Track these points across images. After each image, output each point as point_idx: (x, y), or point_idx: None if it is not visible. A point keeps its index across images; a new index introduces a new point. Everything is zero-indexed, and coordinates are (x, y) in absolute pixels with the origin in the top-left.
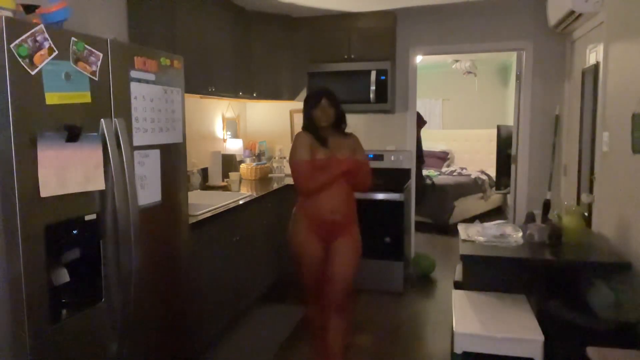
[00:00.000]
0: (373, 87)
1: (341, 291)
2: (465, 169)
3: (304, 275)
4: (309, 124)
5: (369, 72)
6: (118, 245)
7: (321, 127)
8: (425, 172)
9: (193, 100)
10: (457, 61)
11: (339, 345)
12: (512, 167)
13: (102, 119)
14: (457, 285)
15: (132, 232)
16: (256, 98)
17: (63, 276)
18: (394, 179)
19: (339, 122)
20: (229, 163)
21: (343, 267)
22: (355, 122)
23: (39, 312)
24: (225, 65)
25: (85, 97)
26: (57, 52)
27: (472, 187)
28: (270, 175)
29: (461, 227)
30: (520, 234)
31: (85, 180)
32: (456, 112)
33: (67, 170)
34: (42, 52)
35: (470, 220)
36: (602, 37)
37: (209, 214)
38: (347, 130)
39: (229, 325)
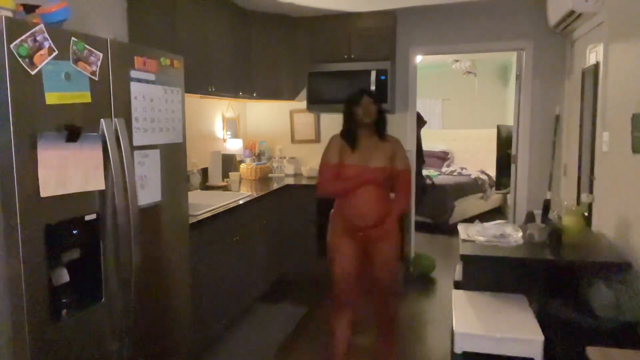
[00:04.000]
0: (373, 87)
1: (385, 291)
2: (465, 169)
3: (335, 275)
4: (348, 123)
5: (369, 72)
6: (118, 245)
7: (363, 126)
8: (425, 172)
9: (193, 100)
10: (457, 61)
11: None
12: (512, 167)
13: (102, 119)
14: (457, 285)
15: (132, 232)
16: (256, 98)
17: (63, 276)
18: None
19: (381, 123)
20: (229, 163)
21: (383, 270)
22: None
23: (39, 312)
24: (225, 65)
25: (85, 97)
26: (57, 52)
27: (472, 187)
28: (270, 175)
29: (461, 227)
30: (520, 234)
31: (85, 180)
32: (456, 112)
33: (67, 170)
34: (42, 52)
35: (470, 220)
36: (602, 37)
37: (209, 214)
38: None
39: (229, 324)
